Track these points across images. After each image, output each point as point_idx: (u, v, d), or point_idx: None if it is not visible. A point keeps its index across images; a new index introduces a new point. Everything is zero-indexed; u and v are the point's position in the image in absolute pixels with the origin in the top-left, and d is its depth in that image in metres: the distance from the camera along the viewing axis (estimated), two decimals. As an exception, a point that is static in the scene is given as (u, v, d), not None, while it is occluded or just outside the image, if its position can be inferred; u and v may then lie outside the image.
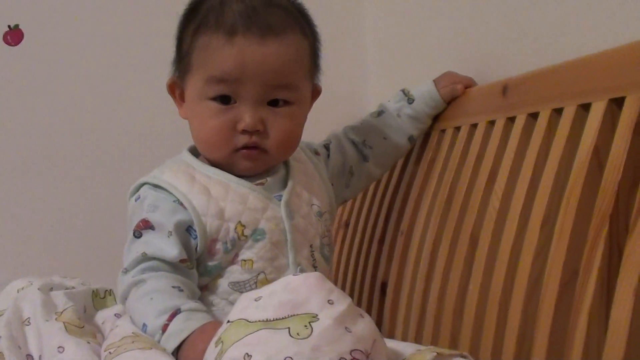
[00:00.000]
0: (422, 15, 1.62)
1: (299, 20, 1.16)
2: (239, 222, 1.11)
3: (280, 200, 1.15)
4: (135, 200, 1.16)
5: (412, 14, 1.67)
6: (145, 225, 1.11)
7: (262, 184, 1.16)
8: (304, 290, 0.82)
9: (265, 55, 1.09)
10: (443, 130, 1.36)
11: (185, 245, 1.09)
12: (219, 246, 1.11)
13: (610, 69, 0.92)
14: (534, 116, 1.08)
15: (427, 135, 1.41)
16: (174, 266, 1.08)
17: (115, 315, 1.13)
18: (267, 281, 1.09)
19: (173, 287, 1.05)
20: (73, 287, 1.19)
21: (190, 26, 1.15)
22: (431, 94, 1.35)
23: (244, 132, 1.12)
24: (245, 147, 1.13)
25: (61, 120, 1.74)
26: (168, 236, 1.09)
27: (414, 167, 1.42)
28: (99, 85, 1.76)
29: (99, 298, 1.20)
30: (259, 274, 1.12)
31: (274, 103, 1.13)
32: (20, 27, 1.70)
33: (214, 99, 1.12)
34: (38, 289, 1.12)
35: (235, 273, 1.12)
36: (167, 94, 1.22)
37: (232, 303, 1.08)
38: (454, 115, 1.33)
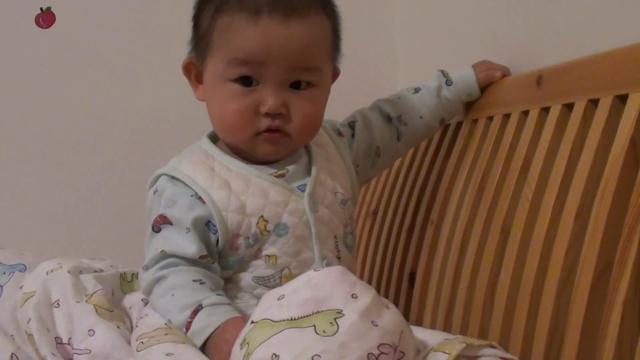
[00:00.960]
0: (453, 1, 1.61)
1: (322, 1, 1.14)
2: (261, 216, 1.10)
3: (303, 190, 1.13)
4: (154, 193, 1.14)
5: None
6: (163, 221, 1.10)
7: (282, 175, 1.14)
8: (326, 285, 0.81)
9: (290, 36, 1.07)
10: (475, 120, 1.35)
11: (205, 241, 1.08)
12: (240, 241, 1.10)
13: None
14: (569, 107, 1.06)
15: (458, 125, 1.40)
16: (194, 262, 1.07)
17: (142, 300, 1.13)
18: (292, 276, 1.07)
19: (194, 280, 1.05)
20: (102, 270, 1.19)
21: (210, 6, 1.12)
22: (469, 79, 1.32)
23: (266, 115, 1.10)
24: (268, 130, 1.11)
25: (90, 104, 1.76)
26: (186, 232, 1.08)
27: (445, 156, 1.41)
28: (127, 69, 1.77)
29: (127, 281, 1.19)
30: (283, 269, 1.11)
31: (296, 85, 1.11)
32: (52, 9, 1.70)
33: (236, 80, 1.09)
34: (68, 271, 1.12)
35: (259, 268, 1.11)
36: None
37: (256, 297, 1.09)
38: (487, 105, 1.32)
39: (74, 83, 1.74)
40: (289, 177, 1.14)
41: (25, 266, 1.21)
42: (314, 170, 1.16)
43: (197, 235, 1.08)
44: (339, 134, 1.27)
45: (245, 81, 1.09)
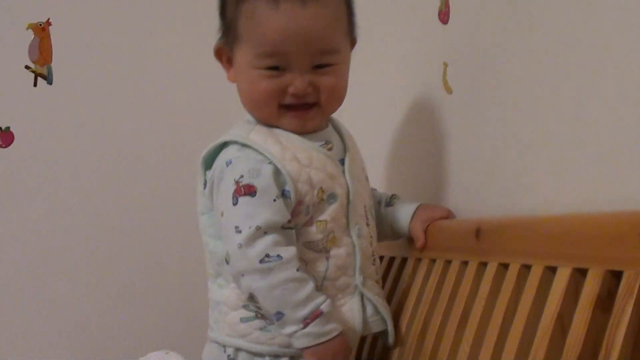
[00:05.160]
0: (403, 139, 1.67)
1: None
2: (321, 188, 1.23)
3: (343, 164, 1.28)
4: (227, 165, 1.22)
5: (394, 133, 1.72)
6: (248, 190, 1.19)
7: (331, 149, 1.28)
8: None
9: (308, 19, 1.19)
10: (419, 259, 1.40)
11: (286, 206, 1.20)
12: (302, 208, 1.22)
13: (575, 236, 0.96)
14: (505, 266, 1.11)
15: (403, 261, 1.45)
16: (284, 233, 1.19)
17: None
18: (335, 239, 1.25)
19: (297, 270, 1.17)
20: None
21: None
22: (403, 220, 1.39)
23: (293, 95, 1.22)
24: (295, 107, 1.24)
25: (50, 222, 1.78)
26: (274, 201, 1.19)
27: (391, 292, 1.45)
28: (88, 187, 1.81)
29: None
30: (329, 234, 1.25)
31: (320, 66, 1.23)
32: (11, 129, 1.74)
33: (265, 68, 1.22)
34: None
35: (310, 234, 1.24)
36: None
37: (305, 262, 1.23)
38: (431, 246, 1.36)
39: (30, 201, 1.76)
40: (335, 152, 1.29)
41: None
42: (348, 148, 1.31)
43: (283, 202, 1.19)
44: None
45: (274, 68, 1.22)
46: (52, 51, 1.78)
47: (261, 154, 1.21)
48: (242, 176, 1.20)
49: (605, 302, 0.89)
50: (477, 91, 1.33)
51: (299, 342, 1.18)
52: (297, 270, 1.17)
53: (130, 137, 1.84)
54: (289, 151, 1.22)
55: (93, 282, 1.80)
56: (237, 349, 1.25)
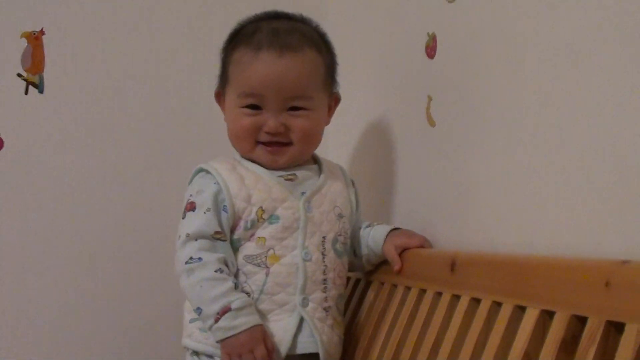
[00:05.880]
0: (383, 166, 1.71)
1: (316, 42, 1.44)
2: (261, 207, 1.38)
3: (303, 195, 1.41)
4: (189, 184, 1.43)
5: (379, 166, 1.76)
6: (190, 207, 1.38)
7: (291, 179, 1.42)
8: None
9: (283, 67, 1.37)
10: (395, 285, 1.44)
11: (219, 220, 1.36)
12: (241, 224, 1.37)
13: (544, 279, 1.00)
14: (477, 301, 1.15)
15: (380, 285, 1.49)
16: (214, 242, 1.35)
17: None
18: (275, 256, 1.38)
19: (216, 271, 1.32)
20: None
21: (230, 46, 1.45)
22: (378, 241, 1.47)
23: (267, 133, 1.39)
24: (268, 143, 1.40)
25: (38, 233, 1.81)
26: (205, 212, 1.36)
27: (366, 315, 1.49)
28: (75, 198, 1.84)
29: None
30: (268, 250, 1.38)
31: (293, 109, 1.40)
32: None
33: (245, 107, 1.40)
34: None
35: (250, 248, 1.38)
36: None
37: (245, 274, 1.37)
38: (407, 274, 1.41)
39: (17, 207, 1.79)
40: (296, 183, 1.43)
41: None
42: (319, 182, 1.45)
43: (214, 214, 1.36)
44: (352, 183, 1.54)
45: (253, 107, 1.40)
46: (44, 60, 1.81)
47: (212, 175, 1.40)
48: (191, 195, 1.40)
49: (569, 346, 0.93)
50: (459, 125, 1.38)
51: (214, 335, 1.33)
52: (216, 271, 1.33)
53: (119, 148, 1.86)
54: (237, 174, 1.40)
55: (79, 289, 1.83)
56: (192, 351, 1.42)
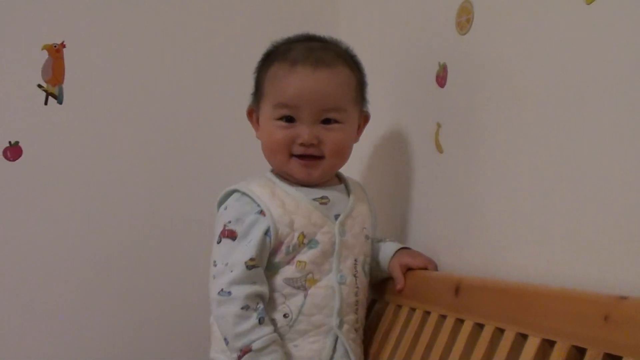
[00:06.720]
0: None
1: (347, 60, 1.49)
2: (302, 232, 1.41)
3: (337, 219, 1.45)
4: (225, 209, 1.45)
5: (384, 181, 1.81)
6: (230, 235, 1.41)
7: (325, 203, 1.46)
8: None
9: (317, 81, 1.42)
10: (399, 306, 1.48)
11: (261, 246, 1.39)
12: (283, 248, 1.40)
13: (545, 308, 1.05)
14: (480, 326, 1.20)
15: (385, 305, 1.54)
16: (248, 271, 1.37)
17: None
18: (314, 280, 1.42)
19: (242, 308, 1.35)
20: None
21: (265, 63, 1.50)
22: (385, 257, 1.53)
23: (301, 145, 1.43)
24: (302, 156, 1.44)
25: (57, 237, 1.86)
26: (246, 244, 1.39)
27: (370, 335, 1.53)
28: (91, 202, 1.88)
29: None
30: (307, 274, 1.42)
31: (326, 121, 1.44)
32: (19, 144, 1.82)
33: (280, 119, 1.44)
34: None
35: (290, 271, 1.41)
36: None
37: (284, 295, 1.41)
38: (412, 295, 1.45)
39: (34, 214, 1.83)
40: (329, 206, 1.46)
41: None
42: (349, 204, 1.49)
43: (257, 243, 1.38)
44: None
45: (288, 119, 1.44)
46: (64, 72, 1.85)
47: (254, 201, 1.42)
48: (230, 221, 1.42)
49: (569, 376, 0.98)
50: (466, 152, 1.43)
51: None
52: (242, 308, 1.35)
53: (134, 158, 1.91)
54: (278, 199, 1.42)
55: (98, 299, 1.87)
56: None
